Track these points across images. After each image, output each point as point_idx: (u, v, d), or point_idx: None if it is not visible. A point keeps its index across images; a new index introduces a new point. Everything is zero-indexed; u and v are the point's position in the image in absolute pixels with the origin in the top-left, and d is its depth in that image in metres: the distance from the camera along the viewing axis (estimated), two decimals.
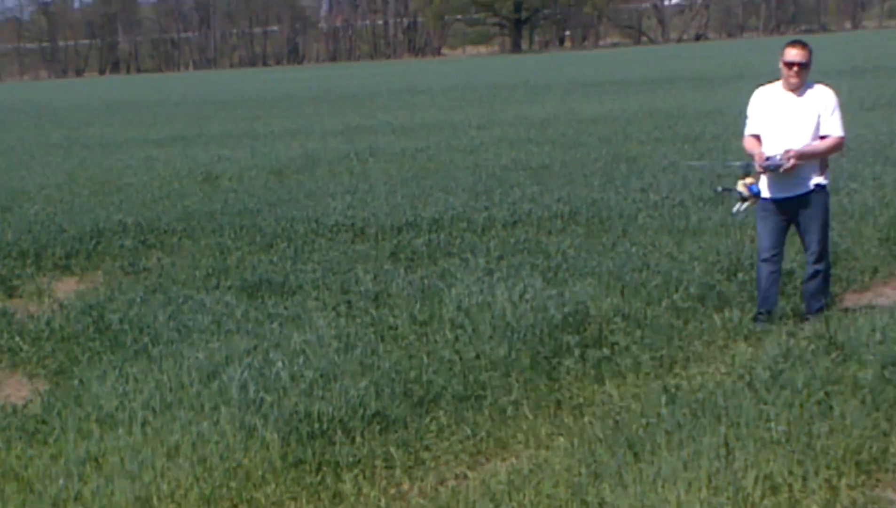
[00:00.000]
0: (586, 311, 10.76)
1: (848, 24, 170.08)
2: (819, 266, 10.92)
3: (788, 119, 10.78)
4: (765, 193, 10.96)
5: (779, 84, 10.92)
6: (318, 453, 8.06)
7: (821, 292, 10.99)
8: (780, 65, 10.80)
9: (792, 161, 10.59)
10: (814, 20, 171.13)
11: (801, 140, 10.70)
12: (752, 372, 8.68)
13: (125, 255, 15.80)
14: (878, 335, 9.10)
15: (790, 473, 7.05)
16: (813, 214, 10.86)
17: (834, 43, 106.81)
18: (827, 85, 10.96)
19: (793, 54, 10.75)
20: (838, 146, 11.01)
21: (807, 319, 10.72)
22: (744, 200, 11.44)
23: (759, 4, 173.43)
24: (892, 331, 9.20)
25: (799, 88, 10.79)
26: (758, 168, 10.82)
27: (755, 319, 10.81)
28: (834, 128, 10.77)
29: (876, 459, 7.40)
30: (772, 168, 10.68)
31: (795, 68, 10.73)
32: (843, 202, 15.64)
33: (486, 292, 11.44)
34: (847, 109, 31.21)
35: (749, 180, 11.32)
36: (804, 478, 7.03)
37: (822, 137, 10.75)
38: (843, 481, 7.11)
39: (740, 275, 11.95)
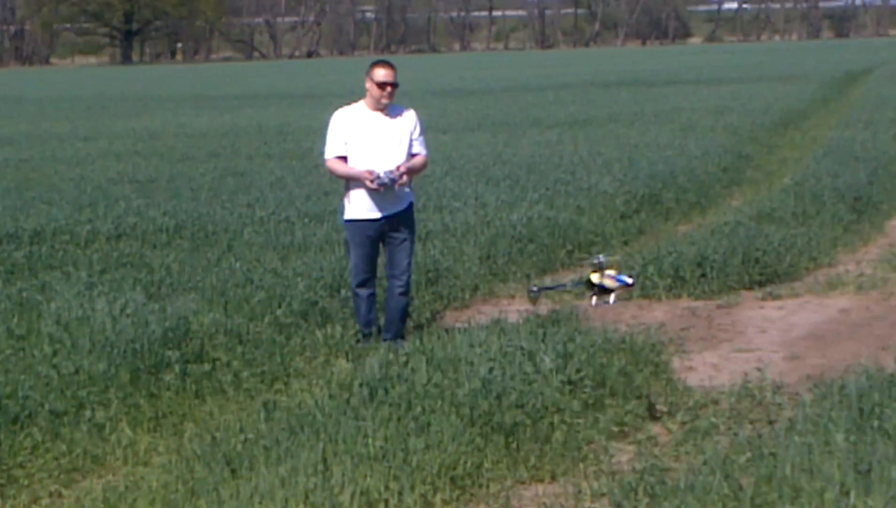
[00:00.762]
0: (188, 326, 10.59)
1: (457, 46, 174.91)
2: (408, 286, 11.12)
3: (382, 139, 10.82)
4: (359, 214, 10.87)
5: (361, 105, 10.92)
6: None
7: (405, 315, 11.21)
8: (368, 85, 10.82)
9: (405, 177, 10.74)
10: (423, 41, 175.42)
11: (397, 159, 10.78)
12: (351, 388, 8.73)
13: None
14: (476, 352, 9.29)
15: (386, 488, 7.11)
16: (409, 230, 11.04)
17: (443, 64, 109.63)
18: (407, 106, 11.19)
19: (384, 74, 10.78)
20: (426, 164, 11.35)
21: (386, 339, 10.86)
22: (606, 291, 11.57)
23: (370, 24, 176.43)
24: (490, 348, 9.41)
25: (388, 108, 10.90)
26: (370, 186, 10.70)
27: (358, 340, 10.89)
28: (423, 147, 11.04)
29: (471, 474, 7.55)
30: (388, 184, 10.73)
31: (389, 88, 10.79)
32: (445, 221, 15.98)
33: (86, 306, 11.11)
34: (454, 129, 32.10)
35: (612, 272, 11.46)
36: (400, 493, 7.10)
37: (413, 156, 10.95)
38: (439, 496, 7.23)
39: (343, 291, 12.01)
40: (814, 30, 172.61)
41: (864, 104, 36.91)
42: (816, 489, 6.50)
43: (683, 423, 8.65)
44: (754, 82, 51.52)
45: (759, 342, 11.23)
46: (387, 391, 8.47)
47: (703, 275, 13.33)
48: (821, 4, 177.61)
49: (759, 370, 9.82)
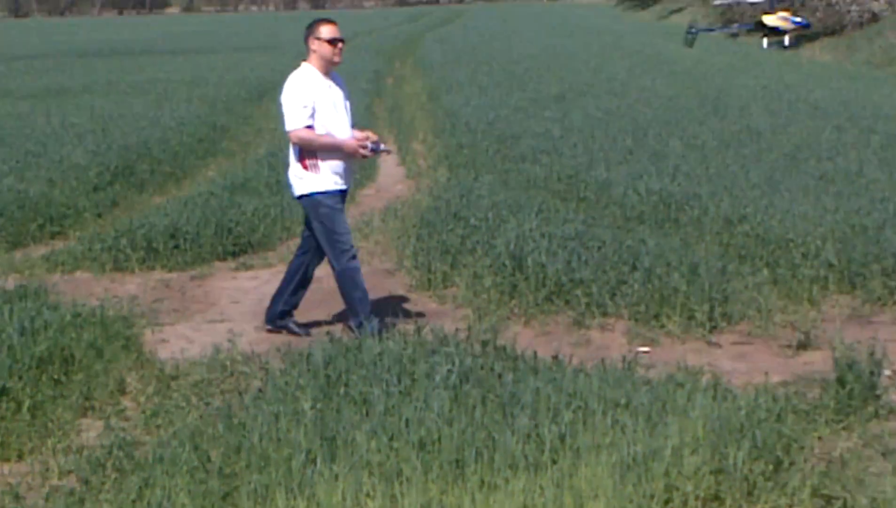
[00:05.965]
0: None
1: None
2: None
3: (339, 105, 10.06)
4: (332, 185, 9.99)
5: (311, 69, 9.99)
6: None
7: None
8: (315, 45, 9.95)
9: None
10: None
11: (349, 125, 10.13)
12: None
13: None
14: None
15: None
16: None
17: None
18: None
19: (333, 30, 9.97)
20: None
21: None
22: (780, 33, 10.66)
23: None
24: None
25: (332, 73, 10.14)
26: (365, 154, 10.03)
27: (369, 325, 9.85)
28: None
29: None
30: (380, 151, 10.20)
31: (341, 45, 10.02)
32: None
33: None
34: None
35: (786, 14, 10.46)
36: None
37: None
38: None
39: None
40: (291, 1, 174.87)
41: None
42: (284, 456, 6.61)
43: (154, 396, 8.60)
44: (231, 53, 51.70)
45: (231, 313, 11.31)
46: None
47: (177, 246, 13.28)
48: None
49: (230, 340, 9.88)
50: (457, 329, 9.70)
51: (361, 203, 16.97)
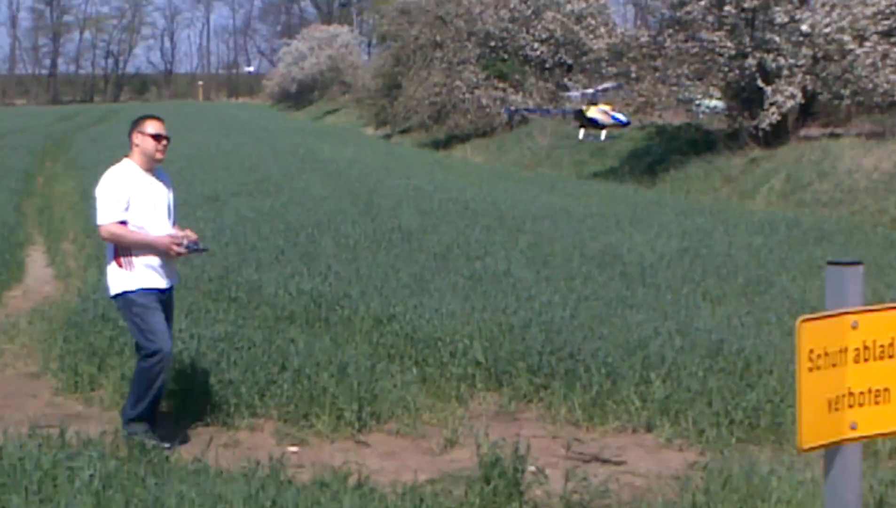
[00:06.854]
0: None
1: None
2: None
3: (160, 202, 9.59)
4: (148, 283, 9.47)
5: (131, 164, 9.57)
6: None
7: None
8: (139, 140, 9.54)
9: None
10: None
11: (170, 224, 9.63)
12: None
13: None
14: None
15: None
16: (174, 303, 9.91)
17: None
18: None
19: (158, 126, 9.57)
20: None
21: None
22: (598, 127, 9.87)
23: None
24: None
25: (156, 169, 9.66)
26: (179, 252, 9.48)
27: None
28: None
29: None
30: (197, 251, 9.74)
31: (165, 141, 9.57)
32: None
33: None
34: None
35: (607, 107, 9.75)
36: None
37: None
38: None
39: None
40: None
41: None
42: None
43: None
44: None
45: None
46: None
47: None
48: None
49: None
50: (103, 432, 9.50)
51: (7, 305, 16.48)
